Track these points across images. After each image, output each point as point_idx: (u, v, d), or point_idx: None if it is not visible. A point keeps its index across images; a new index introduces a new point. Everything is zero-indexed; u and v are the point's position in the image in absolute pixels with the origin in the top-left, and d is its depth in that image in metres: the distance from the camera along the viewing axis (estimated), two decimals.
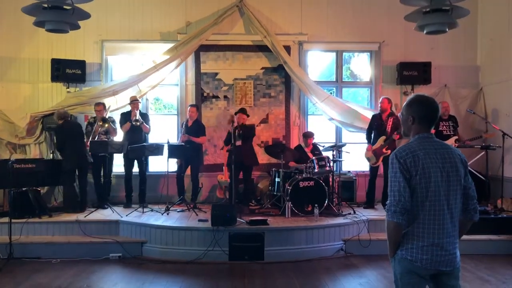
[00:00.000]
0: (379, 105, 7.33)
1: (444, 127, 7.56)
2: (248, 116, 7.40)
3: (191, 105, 7.66)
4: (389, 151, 7.08)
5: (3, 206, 7.08)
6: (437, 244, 2.42)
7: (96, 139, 7.19)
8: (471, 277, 5.18)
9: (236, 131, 6.98)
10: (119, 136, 7.57)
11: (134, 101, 7.44)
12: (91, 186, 7.48)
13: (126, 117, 7.47)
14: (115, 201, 7.61)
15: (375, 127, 7.28)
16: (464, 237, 6.47)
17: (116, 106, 7.89)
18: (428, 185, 2.41)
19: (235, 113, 7.36)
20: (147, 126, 7.48)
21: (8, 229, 5.67)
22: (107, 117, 7.34)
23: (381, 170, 7.32)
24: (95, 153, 7.06)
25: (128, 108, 7.61)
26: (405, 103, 2.61)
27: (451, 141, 7.32)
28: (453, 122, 7.61)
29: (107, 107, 7.46)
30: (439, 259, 2.42)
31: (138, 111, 7.40)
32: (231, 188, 6.96)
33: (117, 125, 7.57)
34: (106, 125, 7.19)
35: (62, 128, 7.02)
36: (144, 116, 7.57)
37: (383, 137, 7.11)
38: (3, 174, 6.00)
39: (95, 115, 7.46)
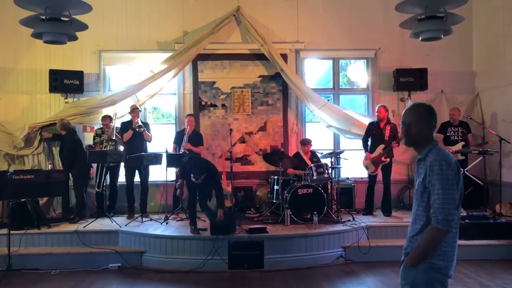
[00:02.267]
0: (376, 114, 7.29)
1: (452, 132, 7.63)
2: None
3: (189, 115, 7.68)
4: (388, 160, 7.11)
5: (1, 218, 7.07)
6: (456, 251, 2.47)
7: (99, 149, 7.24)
8: (471, 283, 5.18)
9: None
10: None
11: (134, 110, 7.47)
12: (88, 195, 7.50)
13: (127, 125, 7.49)
14: (116, 211, 7.59)
15: (373, 135, 7.27)
16: (464, 242, 6.49)
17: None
18: (461, 192, 2.43)
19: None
20: (149, 134, 7.49)
21: (7, 240, 5.65)
22: (114, 126, 7.37)
23: (379, 177, 7.34)
24: (93, 163, 7.08)
25: (127, 117, 7.61)
26: (424, 110, 2.55)
27: (458, 147, 7.38)
28: (463, 128, 7.65)
29: (113, 116, 7.46)
30: (454, 265, 2.48)
31: (139, 119, 7.43)
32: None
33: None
34: (112, 143, 7.23)
35: (70, 137, 7.13)
36: (145, 125, 7.58)
37: (382, 146, 7.09)
38: (2, 186, 6.01)
39: (96, 126, 7.52)
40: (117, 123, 7.49)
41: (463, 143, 7.51)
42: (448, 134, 7.63)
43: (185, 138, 7.41)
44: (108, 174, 7.38)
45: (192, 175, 5.83)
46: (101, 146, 7.33)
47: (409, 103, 2.68)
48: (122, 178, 7.63)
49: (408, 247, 2.55)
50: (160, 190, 7.87)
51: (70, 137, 7.25)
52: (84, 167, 7.30)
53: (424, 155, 2.50)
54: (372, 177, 7.35)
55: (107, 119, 7.41)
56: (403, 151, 8.33)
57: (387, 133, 7.11)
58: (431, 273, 2.42)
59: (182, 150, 7.33)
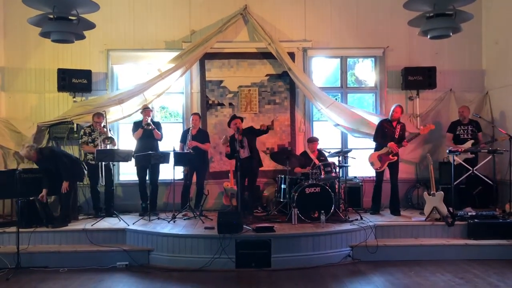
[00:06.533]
0: (393, 113, 7.23)
1: (462, 131, 7.60)
2: (242, 119, 7.39)
3: (194, 114, 7.69)
4: (395, 158, 7.10)
5: (11, 216, 7.12)
6: None
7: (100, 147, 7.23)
8: (480, 283, 5.13)
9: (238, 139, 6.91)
10: (130, 144, 7.65)
11: (146, 109, 7.50)
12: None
13: (138, 124, 7.51)
14: (125, 209, 7.63)
15: (384, 133, 7.26)
16: (473, 242, 6.43)
17: (122, 115, 7.94)
18: None
19: (229, 124, 7.39)
20: (159, 132, 7.50)
21: (16, 238, 5.69)
22: (107, 124, 7.36)
23: (387, 175, 7.31)
24: (101, 162, 7.08)
25: (141, 117, 7.61)
26: None
27: (468, 145, 7.33)
28: (473, 126, 7.62)
29: (105, 115, 7.47)
30: None
31: (150, 118, 7.44)
32: (237, 195, 6.97)
33: (112, 132, 7.66)
34: (108, 141, 7.23)
35: (55, 153, 6.82)
36: (157, 124, 7.60)
37: (391, 143, 7.10)
38: (11, 184, 6.04)
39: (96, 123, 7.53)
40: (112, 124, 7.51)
41: (472, 141, 7.44)
42: (457, 132, 7.58)
43: (189, 136, 7.42)
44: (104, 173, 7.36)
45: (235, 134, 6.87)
46: (91, 144, 7.30)
47: None
48: (125, 177, 7.65)
49: None
50: (167, 189, 7.89)
51: (53, 149, 6.92)
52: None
53: None
54: (379, 176, 7.31)
55: (101, 116, 7.40)
56: (412, 150, 8.28)
57: (397, 131, 7.20)
58: None
59: (186, 149, 7.34)
